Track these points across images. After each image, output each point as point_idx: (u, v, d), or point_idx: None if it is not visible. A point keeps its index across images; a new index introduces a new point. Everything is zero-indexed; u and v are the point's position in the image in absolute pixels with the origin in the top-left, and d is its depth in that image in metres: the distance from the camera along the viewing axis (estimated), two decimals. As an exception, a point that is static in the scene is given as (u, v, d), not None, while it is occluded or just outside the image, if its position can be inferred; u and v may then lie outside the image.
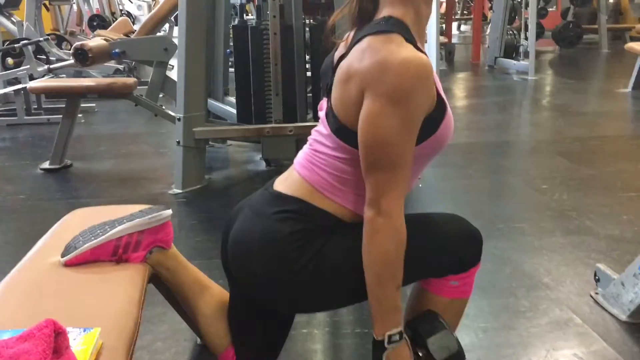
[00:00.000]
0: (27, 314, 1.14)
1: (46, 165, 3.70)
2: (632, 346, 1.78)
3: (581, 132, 4.50)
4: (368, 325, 1.89)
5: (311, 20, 3.71)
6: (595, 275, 2.11)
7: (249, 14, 6.02)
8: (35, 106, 5.46)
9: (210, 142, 4.09)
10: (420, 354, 1.21)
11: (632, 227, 2.65)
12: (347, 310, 2.01)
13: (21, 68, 5.31)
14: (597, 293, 2.05)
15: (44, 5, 7.49)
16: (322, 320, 1.95)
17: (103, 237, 1.37)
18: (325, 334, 1.88)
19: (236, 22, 3.56)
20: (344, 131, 1.18)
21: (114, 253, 1.39)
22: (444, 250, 1.28)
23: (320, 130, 1.26)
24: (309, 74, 3.58)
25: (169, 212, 1.47)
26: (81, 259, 1.37)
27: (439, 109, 1.17)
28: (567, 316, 1.94)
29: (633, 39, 9.13)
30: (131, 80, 3.62)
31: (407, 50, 1.10)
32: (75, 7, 10.22)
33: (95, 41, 4.01)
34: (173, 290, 1.55)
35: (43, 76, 5.50)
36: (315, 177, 1.24)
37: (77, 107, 3.71)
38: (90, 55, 3.70)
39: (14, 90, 4.77)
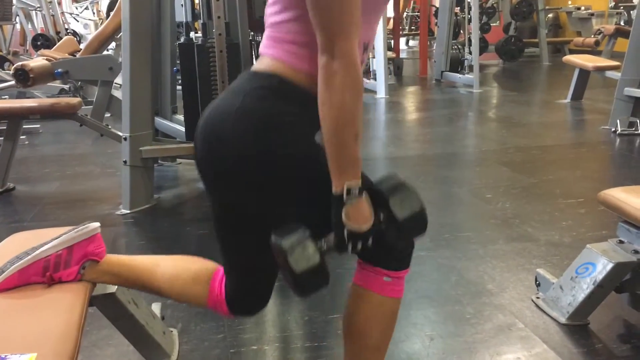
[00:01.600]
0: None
1: (-13, 189, 3.59)
2: (571, 347, 1.84)
3: (523, 142, 4.65)
4: (318, 339, 1.92)
5: (258, 37, 3.74)
6: (536, 280, 2.18)
7: (197, 32, 6.01)
8: (-24, 128, 5.30)
9: (159, 161, 4.05)
10: (382, 214, 1.14)
11: (571, 233, 2.75)
12: (296, 324, 2.02)
13: (-40, 90, 5.15)
14: (538, 297, 2.12)
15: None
16: (272, 336, 1.96)
17: (28, 257, 1.35)
18: (276, 350, 1.89)
19: (182, 40, 3.55)
20: None
21: (44, 273, 1.36)
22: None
23: (269, 2, 1.22)
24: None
25: (96, 224, 1.44)
26: (11, 283, 1.34)
27: None
28: (510, 321, 2.00)
29: (572, 52, 9.50)
30: (75, 100, 3.56)
31: None
32: (18, 26, 9.99)
33: (37, 61, 3.93)
34: (128, 286, 1.52)
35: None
36: (280, 51, 1.19)
37: (19, 129, 3.62)
38: (31, 75, 3.62)
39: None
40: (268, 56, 1.22)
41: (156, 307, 2.00)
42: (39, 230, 1.74)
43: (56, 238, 1.40)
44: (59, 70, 3.77)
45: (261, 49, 1.26)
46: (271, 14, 1.21)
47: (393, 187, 1.17)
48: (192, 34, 4.11)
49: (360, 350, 1.36)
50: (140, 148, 3.16)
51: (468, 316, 2.04)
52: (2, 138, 3.63)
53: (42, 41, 9.08)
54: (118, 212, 3.20)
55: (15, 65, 3.73)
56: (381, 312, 1.34)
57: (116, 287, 1.60)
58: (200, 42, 3.34)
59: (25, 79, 3.62)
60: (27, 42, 9.80)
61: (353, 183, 1.10)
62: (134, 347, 1.78)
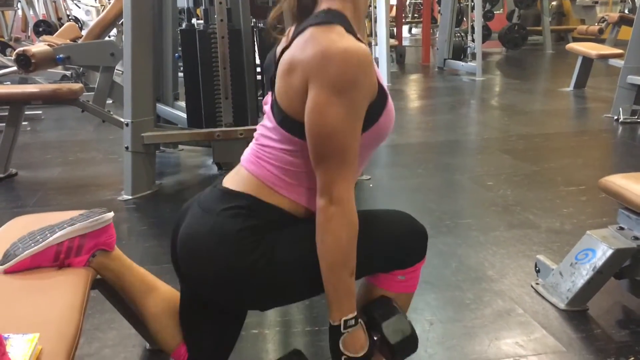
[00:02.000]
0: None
1: (-10, 174, 3.60)
2: (570, 332, 1.85)
3: (525, 130, 4.65)
4: (318, 324, 1.93)
5: (260, 23, 3.73)
6: (535, 266, 2.19)
7: (199, 18, 5.99)
8: (-22, 114, 5.30)
9: (161, 147, 4.06)
10: (375, 338, 1.24)
11: (572, 220, 2.76)
12: (297, 309, 2.03)
13: (-38, 75, 5.15)
14: (537, 283, 2.13)
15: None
16: (272, 320, 1.97)
17: (43, 243, 1.36)
18: (276, 334, 1.90)
19: (184, 26, 3.54)
20: (289, 122, 1.19)
21: (56, 259, 1.37)
22: (391, 246, 1.31)
23: (266, 124, 1.27)
24: (259, 77, 3.59)
25: (111, 214, 1.46)
26: (21, 267, 1.35)
27: (380, 98, 1.20)
28: (510, 307, 2.01)
29: (575, 40, 9.46)
30: (77, 86, 3.56)
31: (348, 40, 1.13)
32: (20, 12, 9.97)
33: (39, 47, 3.92)
34: (120, 292, 1.54)
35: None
36: (262, 171, 1.25)
37: (21, 115, 3.62)
38: (33, 61, 3.62)
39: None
40: (247, 171, 1.28)
41: (158, 291, 2.01)
42: (42, 214, 1.76)
43: (70, 225, 1.41)
44: (61, 55, 3.77)
45: (243, 162, 1.32)
46: (265, 136, 1.27)
47: (384, 312, 1.27)
48: (193, 20, 4.10)
49: None
50: (142, 134, 3.17)
51: (468, 302, 2.05)
52: (4, 124, 3.64)
53: (44, 27, 9.08)
54: (120, 198, 3.21)
55: (17, 51, 3.73)
56: None
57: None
58: (202, 28, 3.33)
59: (27, 64, 3.62)
60: (29, 28, 9.78)
61: (350, 316, 1.19)
62: (135, 331, 1.80)
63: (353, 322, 1.19)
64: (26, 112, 5.07)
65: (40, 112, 5.49)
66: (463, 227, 2.74)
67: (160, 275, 1.67)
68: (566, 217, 2.79)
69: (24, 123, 4.93)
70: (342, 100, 1.11)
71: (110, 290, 1.64)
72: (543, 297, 2.06)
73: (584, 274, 1.94)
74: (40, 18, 9.62)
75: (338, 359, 1.20)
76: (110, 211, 1.47)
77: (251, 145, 1.32)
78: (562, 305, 1.98)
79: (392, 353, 1.25)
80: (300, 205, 1.25)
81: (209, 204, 1.29)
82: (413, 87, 7.48)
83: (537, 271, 2.18)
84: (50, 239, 1.37)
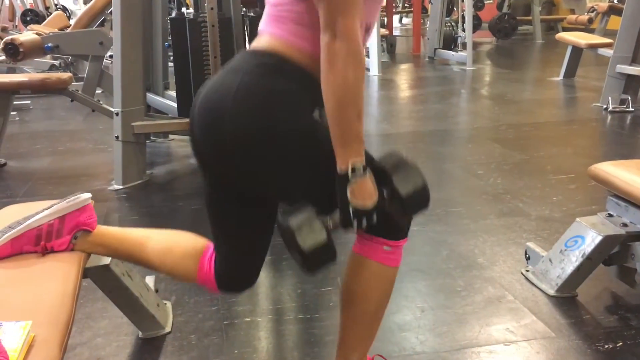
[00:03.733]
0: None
1: (-22, 164, 3.58)
2: (559, 318, 1.87)
3: (515, 119, 4.67)
4: (310, 311, 1.94)
5: (250, 12, 3.71)
6: (525, 253, 2.21)
7: (189, 7, 5.95)
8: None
9: (151, 137, 4.04)
10: (385, 191, 1.16)
11: (561, 208, 2.78)
12: (289, 297, 2.04)
13: (-51, 65, 5.09)
14: (527, 270, 2.15)
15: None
16: (265, 309, 1.98)
17: (20, 226, 1.37)
18: (269, 321, 1.91)
19: (174, 14, 3.51)
20: None
21: (37, 242, 1.38)
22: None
23: None
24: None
25: (88, 195, 1.45)
26: (4, 252, 1.36)
27: None
28: (500, 293, 2.03)
29: (565, 30, 9.48)
30: (66, 75, 3.53)
31: None
32: (7, 1, 9.85)
33: (27, 35, 3.88)
34: (119, 258, 1.54)
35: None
36: (282, 29, 1.19)
37: (10, 104, 3.59)
38: (21, 50, 3.59)
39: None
40: (268, 34, 1.22)
41: (150, 280, 2.02)
42: (30, 203, 1.75)
43: (48, 208, 1.42)
44: (49, 44, 3.73)
45: (261, 27, 1.26)
46: None
47: (396, 164, 1.19)
48: (183, 9, 4.07)
49: (360, 316, 1.38)
50: (132, 123, 3.15)
51: (459, 289, 2.07)
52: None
53: (32, 16, 8.99)
54: (110, 188, 3.20)
55: (4, 40, 3.69)
56: (380, 280, 1.36)
57: (110, 259, 1.61)
58: (192, 17, 3.31)
59: (16, 53, 3.59)
60: (17, 17, 9.67)
61: (357, 161, 1.11)
62: (128, 319, 1.80)
63: (361, 169, 1.11)
64: (15, 102, 5.06)
65: (29, 102, 5.44)
66: (454, 215, 2.75)
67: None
68: (556, 205, 2.81)
69: (12, 113, 4.89)
70: None
71: (101, 278, 1.65)
72: (533, 284, 2.08)
73: (574, 260, 1.96)
74: (28, 7, 9.51)
75: (346, 209, 1.13)
76: (89, 193, 1.46)
77: (265, 10, 1.26)
78: (551, 292, 2.00)
79: (403, 206, 1.17)
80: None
81: (235, 63, 1.22)
82: (404, 77, 7.48)
83: (527, 258, 2.20)
84: (28, 222, 1.38)
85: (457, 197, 3.03)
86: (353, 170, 1.10)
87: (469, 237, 2.49)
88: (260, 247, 1.37)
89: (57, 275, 1.30)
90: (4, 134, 3.63)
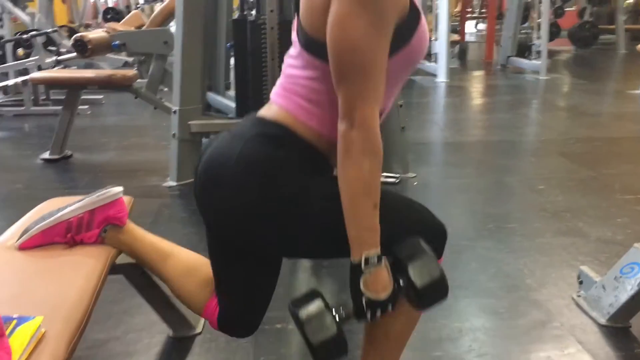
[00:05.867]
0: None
1: (46, 155, 3.74)
2: (608, 350, 1.75)
3: (587, 133, 4.43)
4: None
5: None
6: (578, 277, 2.07)
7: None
8: (44, 97, 5.52)
9: (210, 136, 4.10)
10: (401, 281, 1.13)
11: (625, 230, 2.60)
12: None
13: (30, 59, 5.37)
14: (579, 296, 2.02)
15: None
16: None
17: (52, 218, 1.40)
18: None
19: (236, 16, 3.55)
20: (313, 44, 1.13)
21: (67, 234, 1.41)
22: (403, 229, 1.21)
23: (291, 53, 1.22)
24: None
25: (118, 189, 1.47)
26: (34, 242, 1.39)
27: (413, 19, 1.12)
28: (545, 318, 1.91)
29: (651, 40, 8.96)
30: (131, 72, 3.64)
31: None
32: (91, 0, 10.32)
33: (96, 33, 4.03)
34: (140, 264, 1.55)
35: (54, 67, 5.56)
36: (291, 104, 1.19)
37: (78, 98, 3.74)
38: (89, 46, 3.73)
39: (21, 81, 4.81)
40: (277, 105, 1.22)
41: (186, 279, 2.03)
42: (71, 196, 1.79)
43: (79, 201, 1.45)
44: (116, 42, 3.86)
45: (272, 96, 1.25)
46: (290, 65, 1.21)
47: (412, 253, 1.15)
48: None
49: (381, 339, 1.34)
50: (189, 122, 3.20)
51: (501, 310, 1.97)
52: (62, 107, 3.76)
53: (112, 14, 9.36)
54: (165, 184, 3.26)
55: (74, 36, 3.85)
56: (407, 309, 1.30)
57: (143, 257, 1.63)
58: (253, 19, 3.33)
59: (84, 49, 3.73)
60: (99, 15, 10.11)
61: (372, 252, 1.08)
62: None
63: (375, 259, 1.09)
64: (88, 97, 5.28)
65: (101, 96, 5.65)
66: (506, 231, 2.63)
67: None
68: (619, 227, 2.64)
69: (84, 107, 5.12)
70: (366, 12, 1.02)
71: (132, 275, 1.67)
72: (583, 311, 1.95)
73: (628, 288, 1.82)
74: (110, 5, 9.94)
75: (358, 300, 1.10)
76: (120, 187, 1.48)
77: (279, 79, 1.26)
78: (602, 321, 1.87)
79: (418, 298, 1.13)
80: (326, 138, 1.17)
81: (241, 129, 1.23)
82: (472, 84, 7.29)
83: (580, 282, 2.06)
84: (60, 214, 1.41)
85: (512, 213, 2.90)
86: (367, 261, 1.08)
87: (519, 255, 2.37)
88: (261, 299, 1.37)
89: (81, 270, 1.32)
90: (71, 127, 3.78)
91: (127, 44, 3.93)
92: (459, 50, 9.01)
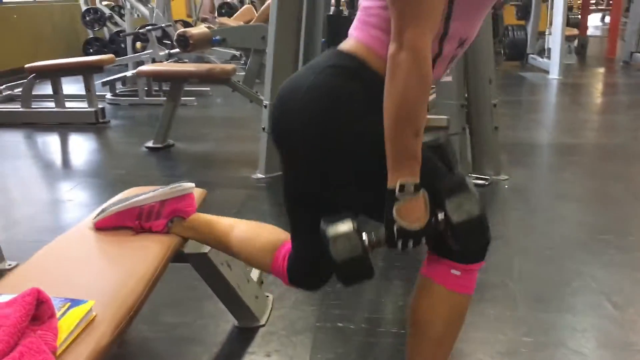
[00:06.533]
0: (49, 278, 1.27)
1: (150, 144, 3.97)
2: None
3: None
4: (406, 327, 1.86)
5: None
6: (671, 299, 1.90)
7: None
8: (156, 88, 5.85)
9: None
10: (439, 216, 1.09)
11: None
12: (389, 308, 1.99)
13: (145, 52, 5.71)
14: (670, 319, 1.85)
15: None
16: (361, 317, 1.93)
17: (127, 202, 1.51)
18: (360, 330, 1.86)
19: (332, 11, 3.57)
20: None
21: (138, 218, 1.51)
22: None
23: None
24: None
25: (190, 185, 1.56)
26: (108, 222, 1.52)
27: None
28: (627, 340, 1.77)
29: None
30: (230, 66, 3.77)
31: None
32: (209, -6, 10.76)
33: (199, 28, 4.22)
34: (208, 244, 1.62)
35: (167, 60, 5.89)
36: (365, 34, 1.17)
37: (180, 91, 3.93)
38: (191, 41, 3.90)
39: (132, 73, 5.14)
40: (353, 38, 1.21)
41: (255, 272, 2.08)
42: (151, 187, 1.89)
43: (153, 191, 1.54)
44: (217, 37, 4.01)
45: (350, 31, 1.24)
46: None
47: (453, 188, 1.11)
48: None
49: (422, 343, 1.31)
50: (279, 116, 3.26)
51: (577, 327, 1.84)
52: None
53: (226, 9, 9.71)
54: (253, 176, 3.36)
55: (177, 32, 4.04)
56: (446, 306, 1.26)
57: (209, 248, 1.69)
58: (347, 14, 3.34)
59: (186, 44, 3.91)
60: (216, 10, 10.53)
61: (408, 180, 1.06)
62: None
63: (412, 188, 1.06)
64: (196, 89, 5.54)
65: (208, 88, 5.90)
66: (600, 243, 2.45)
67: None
68: None
69: (191, 98, 5.37)
70: None
71: (199, 264, 1.74)
72: (673, 336, 1.78)
73: None
74: (224, 0, 10.31)
75: (390, 227, 1.08)
76: (192, 183, 1.56)
77: (357, 15, 1.24)
78: (693, 349, 1.70)
79: (454, 235, 1.09)
80: None
81: (316, 61, 1.24)
82: (588, 82, 6.84)
83: (673, 305, 1.89)
84: (134, 199, 1.52)
85: (611, 223, 2.69)
86: (401, 188, 1.06)
87: (610, 270, 2.20)
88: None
89: (141, 258, 1.39)
90: (173, 117, 3.98)
91: (227, 39, 4.07)
92: (578, 45, 8.49)
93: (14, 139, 4.50)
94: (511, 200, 3.03)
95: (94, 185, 3.38)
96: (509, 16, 8.59)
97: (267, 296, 2.02)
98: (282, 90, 1.24)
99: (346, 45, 1.21)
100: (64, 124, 4.73)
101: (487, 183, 3.15)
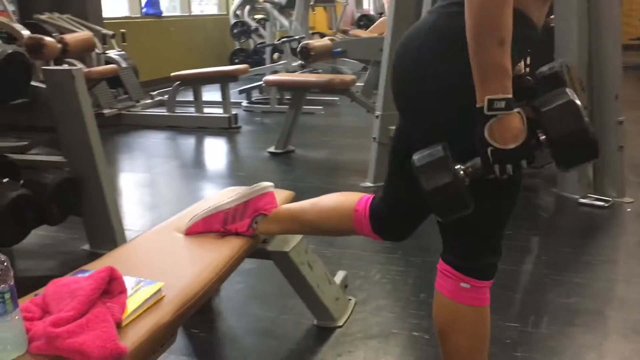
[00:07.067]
0: (133, 262, 1.46)
1: (272, 149, 4.20)
2: None
3: None
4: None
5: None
6: None
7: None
8: (288, 97, 6.14)
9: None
10: (541, 136, 1.01)
11: None
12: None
13: (280, 62, 6.02)
14: None
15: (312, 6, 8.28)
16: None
17: (212, 207, 1.63)
18: (431, 341, 1.84)
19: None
20: None
21: (224, 222, 1.62)
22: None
23: None
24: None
25: (269, 184, 1.65)
26: (197, 228, 1.64)
27: None
28: None
29: None
30: (349, 77, 3.89)
31: None
32: (351, 7, 11.03)
33: (320, 41, 4.38)
34: (294, 232, 1.72)
35: (301, 70, 6.16)
36: None
37: (302, 99, 4.11)
38: (312, 53, 4.07)
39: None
40: None
41: (340, 274, 2.15)
42: (241, 187, 2.04)
43: (236, 195, 1.66)
44: (338, 49, 4.15)
45: None
46: None
47: (552, 100, 1.03)
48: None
49: (451, 355, 1.31)
50: (390, 127, 3.31)
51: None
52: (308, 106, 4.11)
53: (365, 21, 9.89)
54: (362, 184, 3.43)
55: (301, 44, 4.23)
56: (460, 320, 1.27)
57: (291, 246, 1.80)
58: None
59: (307, 56, 4.09)
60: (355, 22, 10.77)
61: (498, 95, 0.99)
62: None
63: (503, 104, 0.99)
64: (324, 98, 5.75)
65: (337, 98, 6.08)
66: None
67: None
68: None
69: (319, 107, 5.58)
70: None
71: (281, 262, 1.85)
72: None
73: None
74: (363, 13, 10.52)
75: (484, 150, 1.02)
76: (271, 182, 1.66)
77: None
78: None
79: (555, 152, 1.01)
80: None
81: (438, 5, 1.18)
82: None
83: None
84: (219, 204, 1.63)
85: None
86: (490, 105, 0.99)
87: None
88: (415, 199, 1.25)
89: (218, 252, 1.52)
90: (295, 125, 4.17)
91: (347, 51, 4.20)
92: None
93: (158, 139, 4.97)
94: (631, 224, 2.83)
95: (219, 185, 3.65)
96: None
97: (350, 299, 2.08)
98: (406, 35, 1.21)
99: None
100: (202, 128, 5.14)
101: (607, 205, 2.96)
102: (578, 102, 1.02)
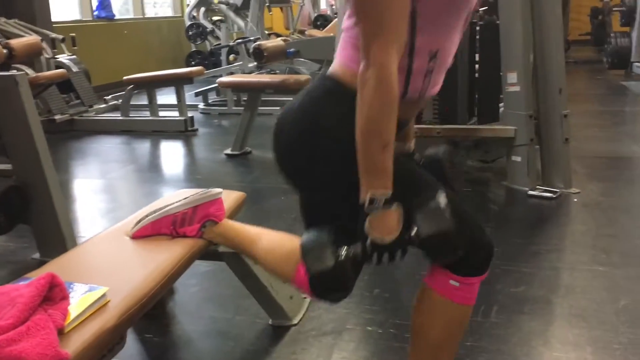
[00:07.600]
0: (78, 267, 1.44)
1: (228, 151, 4.18)
2: None
3: None
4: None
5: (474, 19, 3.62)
6: None
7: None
8: (245, 98, 6.12)
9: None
10: (414, 228, 1.11)
11: None
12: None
13: (235, 64, 6.00)
14: None
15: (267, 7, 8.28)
16: (391, 322, 1.97)
17: (161, 211, 1.62)
18: (387, 335, 1.89)
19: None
20: None
21: (173, 225, 1.61)
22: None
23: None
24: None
25: (219, 190, 1.65)
26: (144, 232, 1.62)
27: None
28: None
29: None
30: (304, 77, 3.90)
31: None
32: (307, 7, 11.06)
33: (273, 42, 4.39)
34: (236, 251, 1.70)
35: (257, 71, 6.15)
36: (344, 53, 1.22)
37: (257, 100, 4.11)
38: (265, 54, 4.08)
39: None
40: (336, 59, 1.26)
41: (294, 274, 2.16)
42: (193, 189, 2.03)
43: (185, 198, 1.65)
44: (291, 50, 4.16)
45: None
46: (347, 18, 1.23)
47: (425, 202, 1.13)
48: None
49: (421, 350, 1.34)
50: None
51: (615, 346, 1.77)
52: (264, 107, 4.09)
53: (322, 21, 9.92)
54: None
55: (254, 45, 4.23)
56: (443, 316, 1.29)
57: (242, 248, 1.80)
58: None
59: (260, 57, 4.09)
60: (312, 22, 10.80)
61: (378, 193, 1.09)
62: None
63: (382, 201, 1.08)
64: (282, 98, 5.74)
65: (291, 98, 6.09)
66: (662, 261, 2.32)
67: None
68: None
69: (277, 108, 5.58)
70: None
71: (233, 263, 1.85)
72: None
73: None
74: (320, 13, 10.56)
75: (364, 239, 1.12)
76: (220, 188, 1.66)
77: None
78: None
79: (422, 249, 1.12)
80: None
81: (309, 85, 1.32)
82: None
83: None
84: (168, 208, 1.62)
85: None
86: (371, 202, 1.08)
87: (665, 290, 2.08)
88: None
89: (166, 255, 1.51)
90: (251, 126, 4.17)
91: (300, 51, 4.21)
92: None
93: (113, 144, 4.90)
94: (578, 214, 2.92)
95: (175, 188, 3.60)
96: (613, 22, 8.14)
97: (304, 297, 2.09)
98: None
99: (330, 68, 1.27)
100: (157, 132, 5.08)
101: (554, 196, 3.05)
102: (448, 206, 1.12)
